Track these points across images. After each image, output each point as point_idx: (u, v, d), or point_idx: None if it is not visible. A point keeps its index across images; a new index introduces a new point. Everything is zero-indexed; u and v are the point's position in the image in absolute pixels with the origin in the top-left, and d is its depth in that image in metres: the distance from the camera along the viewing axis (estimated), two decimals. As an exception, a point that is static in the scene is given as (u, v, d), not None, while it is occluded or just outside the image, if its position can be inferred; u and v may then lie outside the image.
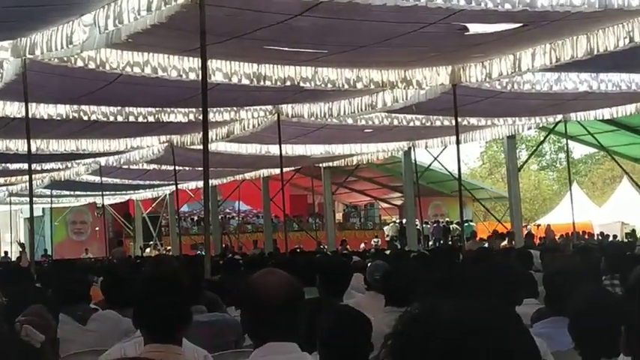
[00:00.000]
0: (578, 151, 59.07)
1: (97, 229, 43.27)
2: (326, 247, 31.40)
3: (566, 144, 30.19)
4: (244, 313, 3.57)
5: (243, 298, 3.62)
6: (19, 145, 19.60)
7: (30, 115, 13.79)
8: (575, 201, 27.74)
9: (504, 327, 1.65)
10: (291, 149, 23.38)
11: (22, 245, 27.37)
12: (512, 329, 1.67)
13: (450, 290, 4.02)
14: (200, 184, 30.30)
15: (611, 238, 30.31)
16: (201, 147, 12.87)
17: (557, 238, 31.82)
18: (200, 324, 5.17)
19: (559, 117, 22.07)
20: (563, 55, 13.01)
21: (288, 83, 14.12)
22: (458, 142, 17.38)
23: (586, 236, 31.00)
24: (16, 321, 3.66)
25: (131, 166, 26.00)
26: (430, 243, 36.97)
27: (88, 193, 35.30)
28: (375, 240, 40.35)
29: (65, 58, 11.80)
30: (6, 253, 39.70)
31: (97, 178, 28.17)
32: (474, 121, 21.15)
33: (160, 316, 3.87)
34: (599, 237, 31.60)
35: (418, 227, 31.61)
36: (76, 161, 25.75)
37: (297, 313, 3.51)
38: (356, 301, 7.00)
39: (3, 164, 23.64)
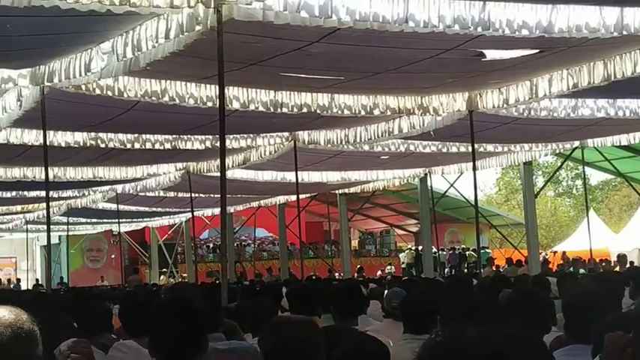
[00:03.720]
0: (595, 177, 58.90)
1: (112, 256, 43.35)
2: (342, 274, 31.34)
3: (583, 170, 30.11)
4: (265, 356, 3.56)
5: (265, 341, 3.61)
6: (36, 173, 19.69)
7: (48, 143, 13.84)
8: (592, 228, 27.59)
9: (529, 355, 1.63)
10: (307, 176, 23.41)
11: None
12: (537, 357, 1.65)
13: (473, 317, 3.99)
14: (216, 211, 30.37)
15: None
16: (217, 174, 12.91)
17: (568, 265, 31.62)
18: (219, 351, 5.14)
19: (576, 143, 22.00)
20: (580, 81, 12.99)
21: (304, 110, 14.14)
22: (474, 169, 17.34)
23: (603, 264, 30.79)
24: (58, 352, 3.64)
25: (148, 194, 26.08)
26: (446, 270, 36.85)
27: (104, 220, 35.42)
28: (389, 268, 40.23)
29: (83, 86, 11.85)
30: (18, 280, 39.81)
31: (113, 206, 28.27)
32: (490, 147, 21.12)
33: (174, 343, 3.85)
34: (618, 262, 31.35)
35: (434, 254, 31.51)
36: (93, 189, 25.87)
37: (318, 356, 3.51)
38: (374, 329, 6.96)
39: (20, 192, 23.74)
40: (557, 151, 24.92)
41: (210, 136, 17.20)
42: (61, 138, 15.99)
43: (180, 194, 26.14)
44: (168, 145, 17.57)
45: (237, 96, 13.30)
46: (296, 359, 3.45)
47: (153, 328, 4.01)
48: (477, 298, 5.99)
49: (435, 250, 31.99)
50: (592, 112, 15.91)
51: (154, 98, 12.52)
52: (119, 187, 25.18)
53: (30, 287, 34.79)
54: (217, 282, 22.17)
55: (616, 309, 5.91)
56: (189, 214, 27.88)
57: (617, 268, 23.83)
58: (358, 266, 34.88)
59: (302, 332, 3.50)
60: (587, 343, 4.12)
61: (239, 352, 5.48)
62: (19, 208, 29.40)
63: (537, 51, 11.65)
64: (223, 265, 10.80)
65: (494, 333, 1.67)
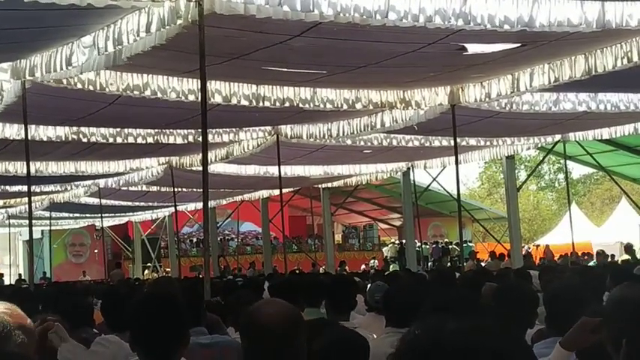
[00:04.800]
0: (577, 171, 59.22)
1: (95, 251, 43.26)
2: (324, 268, 31.37)
3: (565, 164, 30.21)
4: (246, 342, 3.55)
5: (245, 327, 3.60)
6: (18, 167, 19.60)
7: (29, 137, 13.78)
8: (575, 221, 27.71)
9: (507, 348, 1.64)
10: (290, 170, 23.42)
11: None
12: (515, 351, 1.66)
13: (454, 311, 4.00)
14: (199, 205, 30.32)
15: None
16: (200, 168, 12.87)
17: (556, 258, 31.77)
18: (201, 346, 5.15)
19: (558, 137, 22.08)
20: (561, 75, 13.03)
21: (287, 104, 14.13)
22: (457, 163, 17.39)
23: (585, 257, 30.94)
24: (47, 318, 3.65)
25: (130, 188, 26.02)
26: (429, 264, 36.96)
27: (87, 215, 35.33)
28: (373, 262, 40.32)
29: (64, 80, 11.80)
30: (1, 275, 39.64)
31: (96, 200, 28.19)
32: (472, 141, 21.18)
33: (155, 338, 3.84)
34: (599, 255, 31.53)
35: (417, 248, 31.56)
36: (75, 183, 25.78)
37: (299, 342, 3.49)
38: (357, 323, 6.98)
39: (2, 186, 23.63)
40: (539, 145, 25.02)
41: (193, 131, 17.17)
42: (42, 132, 15.91)
43: (163, 189, 26.09)
44: (150, 140, 17.52)
45: (220, 90, 13.27)
46: (276, 344, 3.44)
47: (134, 322, 4.01)
48: (457, 292, 5.99)
49: (418, 243, 32.06)
50: (573, 105, 15.96)
51: (135, 92, 12.47)
52: (101, 182, 25.09)
53: (13, 282, 34.69)
54: (200, 276, 22.17)
55: (597, 302, 5.94)
56: (173, 209, 27.83)
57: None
58: (340, 261, 34.93)
59: (282, 319, 3.49)
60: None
61: (221, 346, 5.49)
62: (0, 202, 29.26)
63: (519, 45, 11.67)
64: (206, 259, 10.81)
65: (473, 327, 1.68)
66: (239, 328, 3.90)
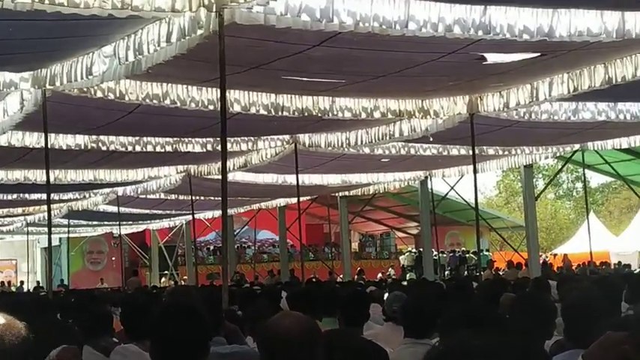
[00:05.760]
0: (596, 180, 58.97)
1: (113, 258, 43.37)
2: (341, 276, 31.34)
3: (584, 173, 30.10)
4: (264, 356, 3.56)
5: (263, 340, 3.61)
6: (37, 175, 19.68)
7: (49, 146, 13.85)
8: (593, 230, 27.58)
9: None
10: (307, 178, 23.44)
11: None
12: None
13: (474, 325, 4.00)
14: (217, 213, 30.40)
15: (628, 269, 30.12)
16: (218, 176, 12.91)
17: (574, 267, 31.66)
18: (220, 356, 5.15)
19: (576, 146, 22.01)
20: (580, 85, 13.00)
21: (305, 113, 14.16)
22: (475, 172, 17.36)
23: (603, 266, 30.82)
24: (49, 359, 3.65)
25: (148, 196, 26.08)
26: (446, 273, 36.87)
27: (105, 222, 35.44)
28: (390, 271, 40.26)
29: (85, 89, 11.86)
30: (22, 282, 39.85)
31: (114, 208, 28.26)
32: (491, 150, 21.13)
33: (176, 348, 3.85)
34: (617, 266, 31.43)
35: (435, 257, 31.48)
36: (94, 191, 25.88)
37: (317, 353, 3.50)
38: (374, 333, 6.97)
39: (21, 194, 23.74)
40: (558, 154, 24.94)
41: (212, 139, 17.21)
42: (62, 141, 16.00)
43: (180, 197, 26.15)
44: (169, 148, 17.58)
45: (239, 99, 13.31)
46: (293, 358, 3.45)
47: (155, 333, 4.02)
48: (477, 305, 5.99)
49: (435, 252, 31.99)
50: (593, 115, 15.91)
51: (155, 101, 12.54)
52: (120, 190, 25.17)
53: (31, 289, 34.85)
54: (215, 284, 22.18)
55: (615, 313, 5.92)
56: (190, 217, 27.88)
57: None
58: (358, 269, 34.86)
59: (298, 331, 3.50)
60: (587, 348, 4.12)
61: (240, 355, 5.49)
62: (20, 210, 29.40)
63: (538, 54, 11.66)
64: (224, 267, 10.79)
65: (497, 342, 1.68)
66: (257, 340, 3.91)
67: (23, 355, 2.39)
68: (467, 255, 39.85)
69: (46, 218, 15.03)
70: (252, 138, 18.08)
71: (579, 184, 59.30)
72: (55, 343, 4.24)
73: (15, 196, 24.18)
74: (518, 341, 1.69)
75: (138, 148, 17.14)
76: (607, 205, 63.46)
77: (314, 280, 24.01)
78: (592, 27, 10.08)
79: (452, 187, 29.64)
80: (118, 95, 12.17)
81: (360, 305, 6.87)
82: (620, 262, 32.09)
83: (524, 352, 1.67)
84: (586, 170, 29.03)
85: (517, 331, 4.71)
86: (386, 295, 9.31)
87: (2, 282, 39.94)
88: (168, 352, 3.88)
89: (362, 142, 17.78)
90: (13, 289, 37.39)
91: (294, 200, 24.71)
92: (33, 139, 15.46)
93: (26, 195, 23.83)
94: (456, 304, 6.51)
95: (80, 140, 16.21)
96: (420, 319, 5.84)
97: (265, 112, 13.67)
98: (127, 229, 38.45)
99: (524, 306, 5.49)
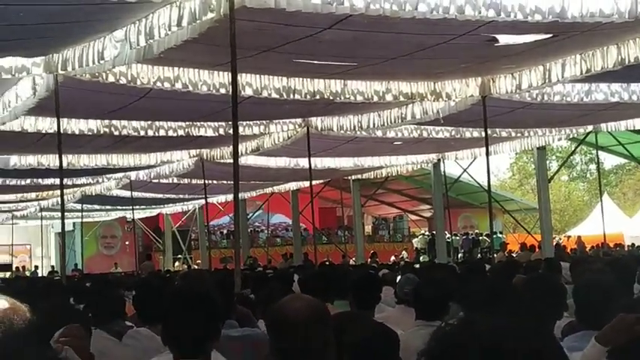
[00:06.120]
0: (609, 161, 58.74)
1: (126, 243, 43.55)
2: (354, 259, 31.36)
3: (597, 155, 30.04)
4: (273, 338, 3.58)
5: (271, 323, 3.63)
6: (50, 160, 19.76)
7: (62, 131, 13.88)
8: (606, 212, 27.58)
9: (540, 348, 1.64)
10: (320, 162, 23.44)
11: None
12: (548, 351, 1.66)
13: (488, 303, 4.01)
14: (230, 197, 30.42)
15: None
16: (230, 160, 12.91)
17: (587, 249, 31.62)
18: (232, 338, 5.17)
19: (589, 128, 21.95)
20: (593, 66, 12.94)
21: (317, 97, 14.15)
22: (487, 154, 17.33)
23: (617, 248, 30.75)
24: (53, 340, 3.66)
25: (161, 180, 26.13)
26: (460, 255, 36.87)
27: (118, 207, 35.54)
28: (403, 253, 40.30)
29: (97, 74, 11.88)
30: (36, 267, 40.03)
31: (127, 193, 28.34)
32: (503, 132, 21.09)
33: (187, 332, 3.87)
34: (630, 248, 31.35)
35: (448, 239, 31.48)
36: (107, 176, 25.95)
37: (326, 335, 3.52)
38: (386, 315, 6.99)
39: (35, 179, 23.83)
40: (571, 136, 24.88)
41: (224, 123, 17.23)
42: (74, 126, 16.02)
43: (193, 181, 26.19)
44: (181, 132, 17.61)
45: (250, 82, 13.31)
46: (302, 340, 3.47)
47: (167, 316, 4.03)
48: (487, 283, 5.99)
49: (448, 235, 31.99)
50: (605, 96, 15.86)
51: (167, 84, 12.54)
52: (133, 174, 25.23)
53: (45, 274, 35.02)
54: (228, 268, 22.23)
55: (628, 295, 5.92)
56: (203, 201, 27.94)
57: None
58: (371, 252, 34.91)
59: (307, 313, 3.51)
60: (599, 329, 4.13)
61: (251, 339, 5.52)
62: (33, 195, 29.48)
63: (550, 36, 11.60)
64: (237, 251, 10.85)
65: (505, 324, 1.68)
66: (265, 323, 3.92)
67: (30, 336, 2.41)
68: (480, 237, 39.83)
69: (60, 203, 15.11)
70: (264, 121, 18.08)
71: (593, 166, 59.04)
72: (61, 325, 4.27)
73: (28, 181, 24.28)
74: (526, 324, 1.69)
75: (150, 133, 17.17)
76: (621, 186, 63.25)
77: (327, 263, 24.05)
78: (604, 8, 10.03)
79: (465, 170, 29.64)
80: (129, 79, 12.18)
81: (371, 288, 6.88)
82: (633, 244, 31.99)
83: (531, 335, 1.67)
84: (599, 152, 29.00)
85: (527, 312, 4.71)
86: (398, 278, 9.30)
87: (17, 267, 40.12)
88: (180, 335, 3.89)
89: (374, 125, 17.75)
90: (27, 273, 37.56)
91: (306, 184, 24.71)
92: (46, 124, 15.49)
93: (39, 180, 23.93)
94: (468, 284, 6.53)
95: (93, 125, 16.25)
96: (431, 301, 5.86)
97: (277, 96, 13.67)
98: (140, 214, 38.53)
99: (534, 287, 5.50)
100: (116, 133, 16.73)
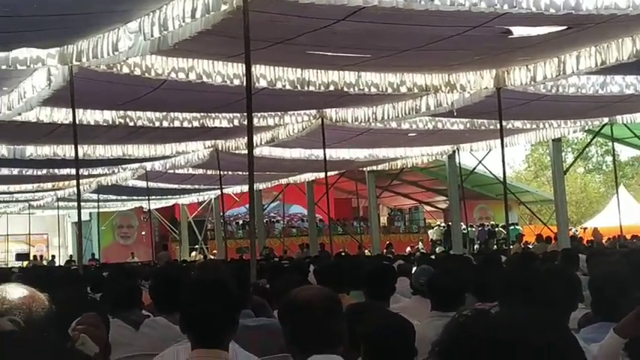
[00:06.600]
0: (625, 153, 58.39)
1: (143, 233, 43.64)
2: (370, 250, 31.36)
3: (612, 146, 29.92)
4: (286, 327, 3.62)
5: (284, 312, 3.67)
6: (66, 151, 19.83)
7: (77, 122, 13.94)
8: (622, 204, 27.47)
9: (555, 340, 1.65)
10: (335, 153, 23.44)
11: None
12: (563, 343, 1.67)
13: (503, 293, 4.03)
14: (245, 188, 30.46)
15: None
16: (245, 152, 12.95)
17: (604, 241, 31.50)
18: (248, 328, 5.21)
19: (605, 120, 21.87)
20: (608, 58, 12.90)
21: (331, 88, 14.15)
22: (502, 146, 17.28)
23: (634, 240, 30.63)
24: (70, 329, 3.70)
25: (177, 171, 26.18)
26: (475, 246, 36.81)
27: (134, 197, 35.62)
28: (420, 244, 40.27)
29: (111, 65, 11.92)
30: (53, 257, 40.21)
31: (143, 183, 28.40)
32: (518, 124, 21.03)
33: (206, 322, 3.90)
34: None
35: (463, 230, 31.41)
36: (123, 166, 26.02)
37: (338, 324, 3.56)
38: (402, 306, 7.01)
39: (51, 169, 23.93)
40: (586, 128, 24.79)
41: (238, 114, 17.25)
42: (90, 116, 16.07)
43: (209, 172, 26.23)
44: (196, 124, 17.63)
45: (264, 74, 13.33)
46: (313, 330, 3.50)
47: (185, 306, 4.07)
48: (513, 274, 6.01)
49: (464, 226, 31.92)
50: (621, 88, 15.81)
51: (181, 74, 12.56)
52: (148, 165, 25.29)
53: (62, 264, 35.16)
54: (244, 258, 22.27)
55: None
56: (219, 192, 27.98)
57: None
58: (387, 242, 34.88)
59: (320, 305, 3.55)
60: (615, 321, 4.15)
61: (267, 328, 5.56)
62: (49, 185, 29.63)
63: (565, 27, 11.57)
64: (252, 242, 10.87)
65: (518, 315, 1.69)
66: (278, 313, 3.97)
67: (48, 324, 2.46)
68: (496, 229, 39.74)
69: (76, 193, 15.19)
70: (278, 113, 18.10)
71: (609, 158, 58.68)
72: (78, 315, 4.31)
73: (45, 171, 24.37)
74: (541, 315, 1.70)
75: (165, 124, 17.20)
76: (637, 178, 62.94)
77: (343, 254, 24.06)
78: (619, 1, 10.00)
79: (480, 162, 29.57)
80: (144, 69, 12.22)
81: (385, 279, 6.90)
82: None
83: (546, 327, 1.68)
84: (615, 144, 28.86)
85: (541, 303, 4.72)
86: (414, 269, 9.33)
87: (35, 256, 40.31)
88: (197, 324, 3.93)
89: (389, 116, 17.74)
90: (45, 263, 37.74)
91: (322, 175, 24.72)
92: (61, 115, 15.55)
93: (56, 170, 24.01)
94: (484, 275, 6.53)
95: (108, 116, 16.29)
96: (446, 292, 5.89)
97: (291, 87, 13.68)
98: (156, 204, 38.60)
99: (549, 278, 5.51)
100: (131, 124, 16.76)
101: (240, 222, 42.15)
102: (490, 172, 31.00)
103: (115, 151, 21.15)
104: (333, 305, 3.63)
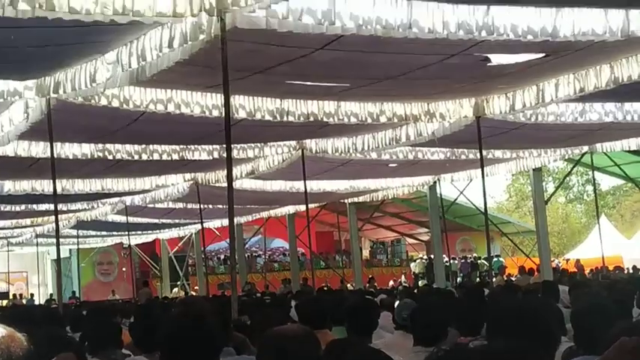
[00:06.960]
0: (607, 182, 58.79)
1: (123, 269, 43.46)
2: (353, 284, 31.29)
3: (593, 176, 30.07)
4: None
5: (262, 352, 3.64)
6: (44, 186, 19.71)
7: (55, 155, 13.84)
8: (604, 234, 27.54)
9: None
10: (316, 185, 23.42)
11: None
12: None
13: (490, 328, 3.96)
14: (226, 222, 30.36)
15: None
16: (226, 184, 12.88)
17: (587, 272, 31.52)
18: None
19: (585, 148, 21.94)
20: (587, 85, 12.93)
21: (311, 118, 14.13)
22: (483, 175, 17.29)
23: (616, 271, 30.65)
24: None
25: (157, 205, 26.08)
26: (458, 279, 36.78)
27: (114, 233, 35.48)
28: (403, 278, 40.23)
29: (89, 97, 11.84)
30: (32, 295, 39.89)
31: (123, 218, 28.29)
32: (499, 153, 21.08)
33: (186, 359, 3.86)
34: (630, 271, 31.24)
35: (446, 263, 31.39)
36: (102, 201, 25.90)
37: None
38: (385, 342, 6.93)
39: (29, 205, 23.77)
40: (567, 157, 24.87)
41: (218, 146, 17.20)
42: (68, 150, 15.98)
43: (189, 205, 26.15)
44: (175, 156, 17.57)
45: (243, 105, 13.28)
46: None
47: (165, 344, 4.02)
48: (495, 308, 5.94)
49: (446, 259, 31.90)
50: (600, 116, 15.86)
51: (159, 106, 12.49)
52: (128, 199, 25.19)
53: (42, 302, 34.86)
54: (225, 294, 22.12)
55: (627, 319, 5.87)
56: (199, 226, 27.90)
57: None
58: (370, 276, 34.83)
59: (297, 344, 3.54)
60: (598, 354, 4.08)
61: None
62: (28, 221, 29.43)
63: (543, 55, 11.60)
64: (233, 277, 10.75)
65: (498, 349, 1.64)
66: (257, 351, 3.94)
67: None
68: (478, 261, 39.77)
69: (55, 229, 15.03)
70: (258, 144, 18.06)
71: (590, 187, 59.08)
72: (56, 355, 4.25)
73: (23, 207, 24.23)
74: (518, 348, 1.65)
75: (144, 157, 17.13)
76: (618, 208, 63.24)
77: (325, 288, 23.97)
78: (596, 27, 10.04)
79: (461, 192, 29.63)
80: (122, 100, 12.15)
81: (367, 314, 6.82)
82: (635, 267, 31.88)
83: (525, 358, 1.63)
84: (596, 173, 28.97)
85: (525, 336, 4.66)
86: (397, 303, 9.24)
87: (14, 294, 39.96)
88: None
89: (369, 147, 17.73)
90: (24, 301, 37.42)
91: (303, 207, 24.68)
92: (39, 149, 15.45)
93: (34, 206, 23.89)
94: (468, 311, 6.46)
95: (86, 149, 16.21)
96: (429, 326, 5.82)
97: (271, 118, 13.64)
98: (136, 239, 38.49)
99: (531, 312, 5.44)
100: (110, 157, 16.68)
101: (222, 257, 42.02)
102: (472, 202, 31.03)
103: (94, 185, 21.04)
104: (311, 344, 3.61)
